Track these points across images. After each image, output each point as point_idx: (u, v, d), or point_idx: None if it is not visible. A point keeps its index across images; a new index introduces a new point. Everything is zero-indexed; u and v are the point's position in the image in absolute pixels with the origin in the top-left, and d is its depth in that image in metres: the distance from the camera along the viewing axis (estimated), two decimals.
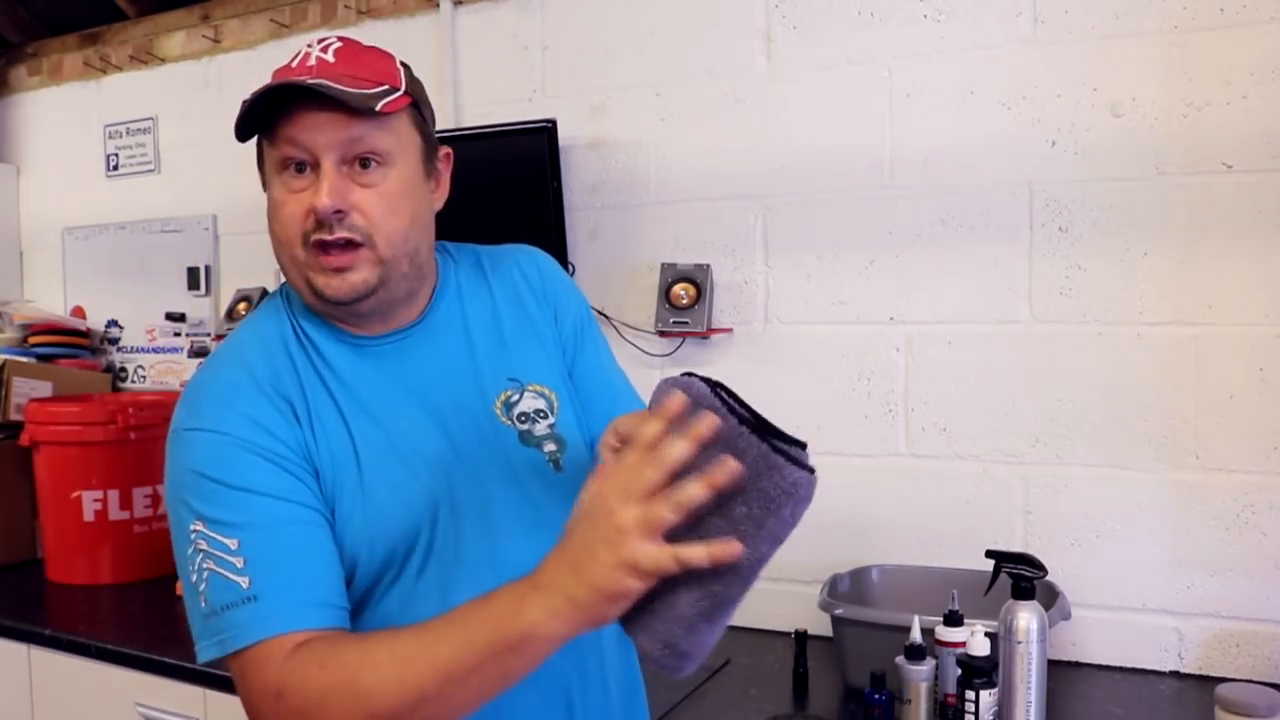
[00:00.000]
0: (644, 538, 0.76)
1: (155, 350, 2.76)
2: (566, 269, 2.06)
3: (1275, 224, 1.57)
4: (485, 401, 1.06)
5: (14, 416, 2.41)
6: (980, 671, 1.33)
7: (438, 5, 2.22)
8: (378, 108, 0.95)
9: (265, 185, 1.03)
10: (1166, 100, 1.62)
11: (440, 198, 1.08)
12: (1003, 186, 1.73)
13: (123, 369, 2.82)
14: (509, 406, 1.07)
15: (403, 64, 1.04)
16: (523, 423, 1.07)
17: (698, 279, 1.94)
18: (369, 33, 2.32)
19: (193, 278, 2.66)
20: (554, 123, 2.00)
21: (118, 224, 2.80)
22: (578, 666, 1.06)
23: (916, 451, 1.82)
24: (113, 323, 2.84)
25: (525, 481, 1.05)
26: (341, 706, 0.84)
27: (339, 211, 0.95)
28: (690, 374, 0.83)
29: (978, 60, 1.75)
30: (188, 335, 2.70)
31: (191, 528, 0.92)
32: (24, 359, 2.57)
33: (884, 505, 1.84)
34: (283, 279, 1.07)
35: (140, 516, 2.30)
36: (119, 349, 2.83)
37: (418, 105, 1.03)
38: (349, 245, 0.96)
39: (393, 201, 0.98)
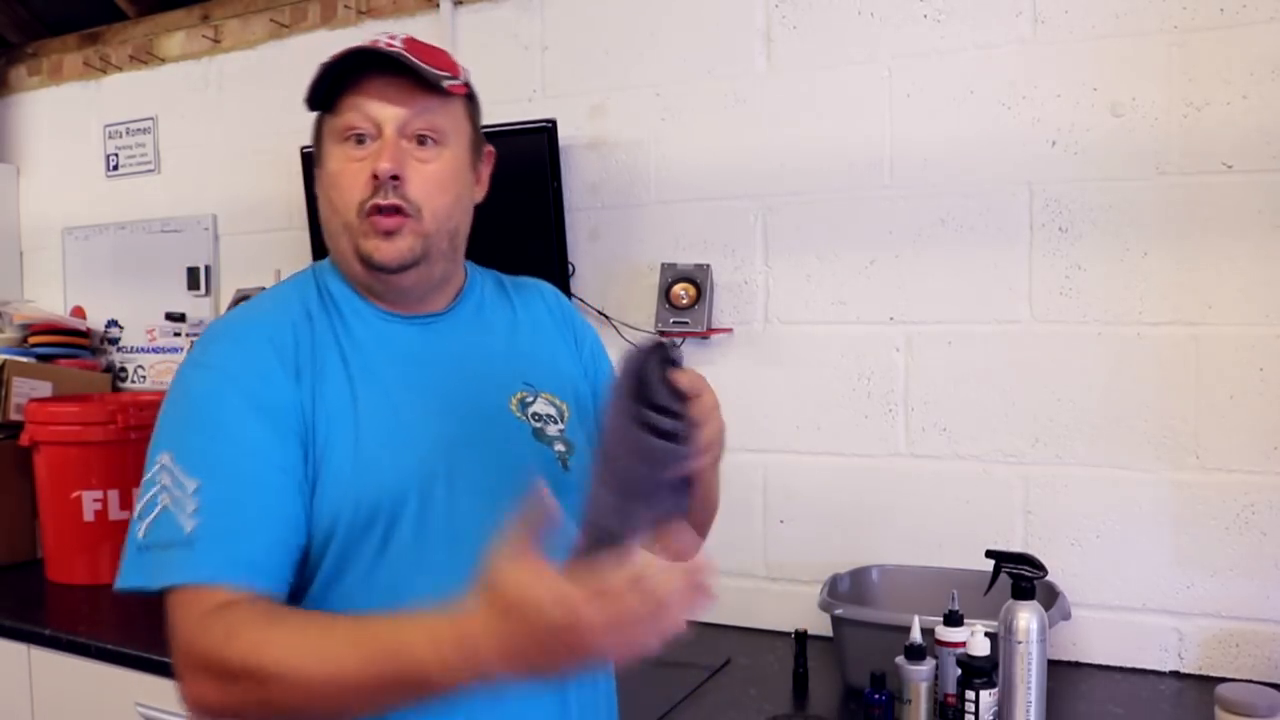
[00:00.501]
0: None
1: (155, 350, 2.76)
2: (566, 269, 2.06)
3: (1275, 224, 1.57)
4: (501, 397, 1.10)
5: (14, 416, 2.41)
6: (980, 671, 1.33)
7: (438, 5, 2.22)
8: (444, 85, 1.02)
9: (319, 160, 1.07)
10: (1166, 100, 1.62)
11: (480, 193, 1.14)
12: (1003, 186, 1.73)
13: (123, 369, 2.82)
14: (524, 405, 1.10)
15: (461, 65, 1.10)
16: (536, 421, 1.10)
17: (698, 279, 1.94)
18: (369, 32, 2.31)
19: (193, 278, 2.66)
20: (554, 123, 2.00)
21: (118, 224, 2.80)
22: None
23: (916, 451, 1.82)
24: (113, 323, 2.84)
25: (532, 475, 1.06)
26: (244, 686, 0.86)
27: (396, 177, 1.00)
28: (660, 344, 0.89)
29: (978, 60, 1.75)
30: (188, 335, 2.69)
31: (160, 459, 0.94)
32: (24, 359, 2.56)
33: (884, 505, 1.84)
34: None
35: None
36: (119, 349, 2.83)
37: (472, 99, 1.11)
38: (398, 211, 1.01)
39: (443, 179, 1.04)
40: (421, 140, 1.03)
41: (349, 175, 1.02)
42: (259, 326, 1.03)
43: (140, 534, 0.93)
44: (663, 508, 0.86)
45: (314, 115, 1.07)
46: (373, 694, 0.82)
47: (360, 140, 1.02)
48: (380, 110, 1.01)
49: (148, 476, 0.95)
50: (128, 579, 0.93)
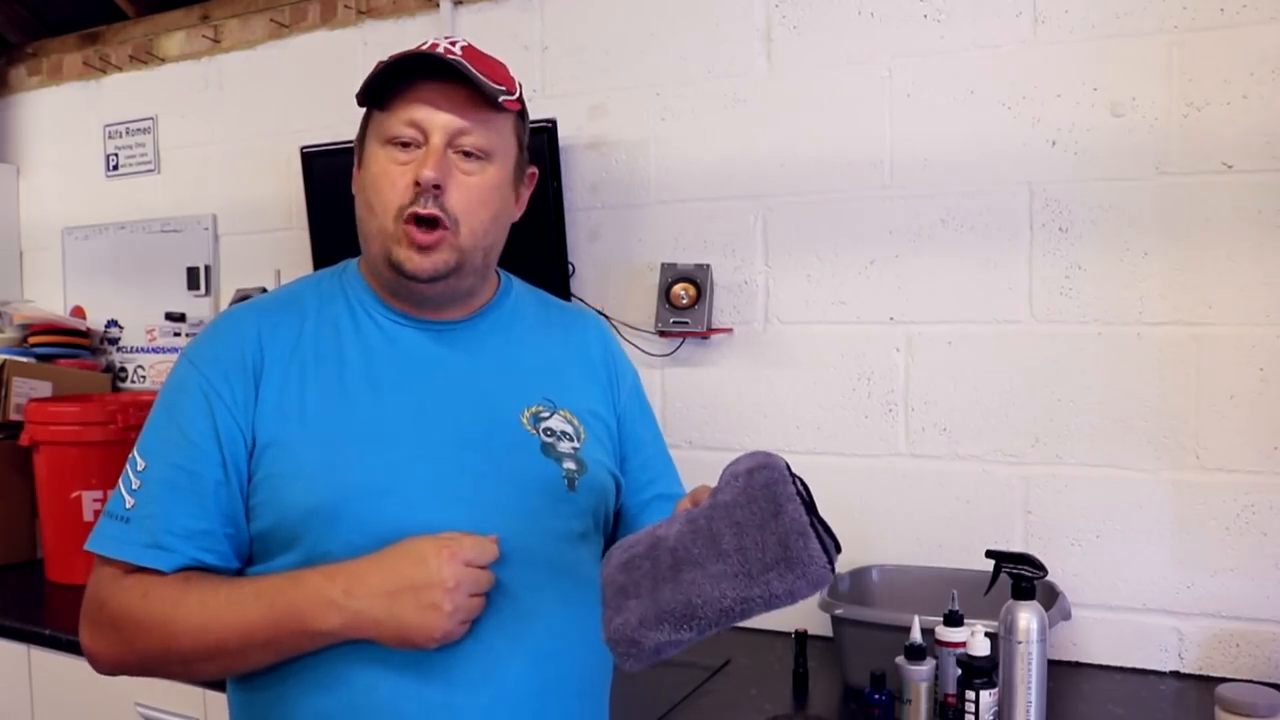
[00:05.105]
0: (452, 626, 0.94)
1: (155, 350, 2.76)
2: (566, 269, 2.06)
3: (1275, 224, 1.57)
4: (513, 408, 1.09)
5: (14, 416, 2.41)
6: (980, 671, 1.33)
7: (438, 5, 2.22)
8: (500, 100, 1.02)
9: (361, 159, 1.08)
10: (1166, 100, 1.62)
11: (518, 211, 1.13)
12: (1003, 186, 1.73)
13: (123, 369, 2.82)
14: (537, 419, 1.09)
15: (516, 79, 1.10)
16: (548, 436, 1.08)
17: (698, 279, 1.94)
18: (369, 32, 2.32)
19: (192, 278, 2.66)
20: (554, 123, 2.00)
21: (118, 224, 2.80)
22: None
23: (916, 451, 1.82)
24: (113, 323, 2.84)
25: (532, 490, 1.06)
26: (151, 635, 0.97)
27: (438, 186, 1.00)
28: (771, 453, 0.87)
29: (978, 60, 1.74)
30: (187, 335, 2.69)
31: (141, 438, 1.04)
32: (24, 359, 2.56)
33: (884, 505, 1.84)
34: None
35: None
36: (119, 349, 2.83)
37: (523, 116, 1.10)
38: (436, 225, 1.01)
39: (484, 194, 1.04)
40: (468, 154, 1.03)
41: (390, 179, 1.02)
42: (239, 324, 1.06)
43: (108, 502, 1.03)
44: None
45: (360, 110, 1.08)
46: (276, 640, 0.96)
47: (406, 145, 1.02)
48: (430, 117, 1.01)
49: (131, 454, 1.04)
50: (88, 541, 1.02)
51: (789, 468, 0.84)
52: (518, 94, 1.07)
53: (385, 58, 1.03)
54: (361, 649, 0.97)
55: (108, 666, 1.03)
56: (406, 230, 1.01)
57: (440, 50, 1.02)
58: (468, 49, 1.04)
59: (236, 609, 0.96)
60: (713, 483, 0.89)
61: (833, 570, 0.81)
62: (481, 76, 1.01)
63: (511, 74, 1.09)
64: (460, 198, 1.02)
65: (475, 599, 0.96)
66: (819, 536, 0.81)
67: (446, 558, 0.94)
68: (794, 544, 0.80)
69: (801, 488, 0.84)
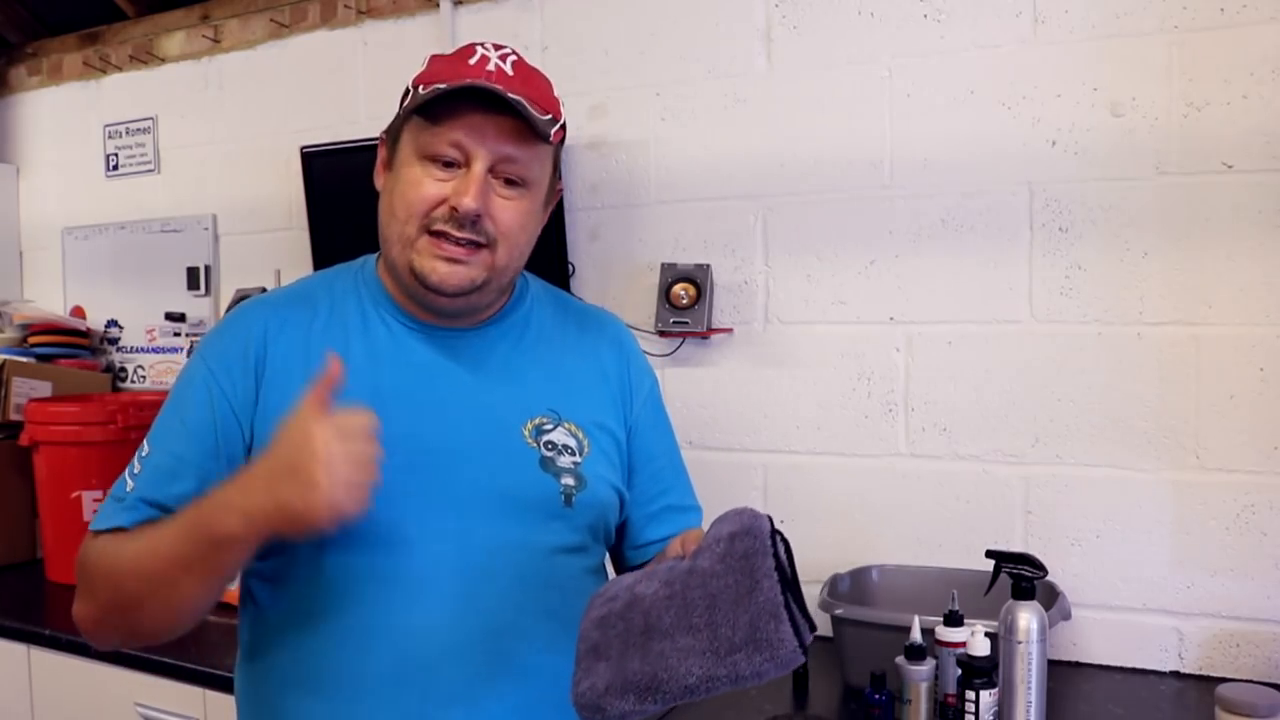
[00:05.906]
0: (336, 498, 0.87)
1: (155, 350, 2.76)
2: (566, 269, 2.06)
3: (1275, 224, 1.57)
4: (515, 420, 1.08)
5: (14, 416, 2.41)
6: (980, 671, 1.33)
7: (438, 5, 2.22)
8: (550, 136, 1.02)
9: (393, 160, 1.06)
10: (1166, 100, 1.62)
11: (540, 226, 1.13)
12: (1003, 186, 1.73)
13: (122, 369, 2.82)
14: (539, 431, 1.08)
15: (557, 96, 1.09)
16: (548, 450, 1.07)
17: (698, 279, 1.94)
18: (369, 33, 2.32)
19: (192, 278, 2.66)
20: None
21: (118, 224, 2.80)
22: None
23: (916, 451, 1.82)
24: (112, 323, 2.84)
25: (526, 505, 1.05)
26: (106, 582, 1.00)
27: (478, 216, 1.00)
28: (757, 514, 0.87)
29: (978, 60, 1.74)
30: (187, 335, 2.69)
31: (151, 427, 1.07)
32: (24, 359, 2.56)
33: (884, 505, 1.84)
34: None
35: None
36: (119, 349, 2.83)
37: (562, 141, 1.10)
38: (471, 244, 1.01)
39: (522, 220, 1.05)
40: (509, 182, 1.03)
41: (426, 189, 1.00)
42: (248, 320, 1.08)
43: (113, 486, 1.05)
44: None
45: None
46: (197, 558, 0.92)
47: (447, 165, 1.01)
48: (478, 144, 1.00)
49: (142, 443, 1.07)
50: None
51: (772, 530, 0.84)
52: (562, 119, 1.06)
53: (444, 66, 1.02)
54: (347, 656, 0.97)
55: (86, 628, 1.03)
56: (432, 241, 1.01)
57: (492, 67, 1.01)
58: (519, 65, 1.03)
59: (161, 536, 0.96)
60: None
61: (805, 651, 0.81)
62: (535, 112, 0.99)
63: (554, 95, 1.07)
64: (500, 222, 1.02)
65: (360, 467, 0.88)
66: (792, 617, 0.80)
67: (315, 432, 0.88)
68: (764, 626, 0.79)
69: (784, 552, 0.84)
